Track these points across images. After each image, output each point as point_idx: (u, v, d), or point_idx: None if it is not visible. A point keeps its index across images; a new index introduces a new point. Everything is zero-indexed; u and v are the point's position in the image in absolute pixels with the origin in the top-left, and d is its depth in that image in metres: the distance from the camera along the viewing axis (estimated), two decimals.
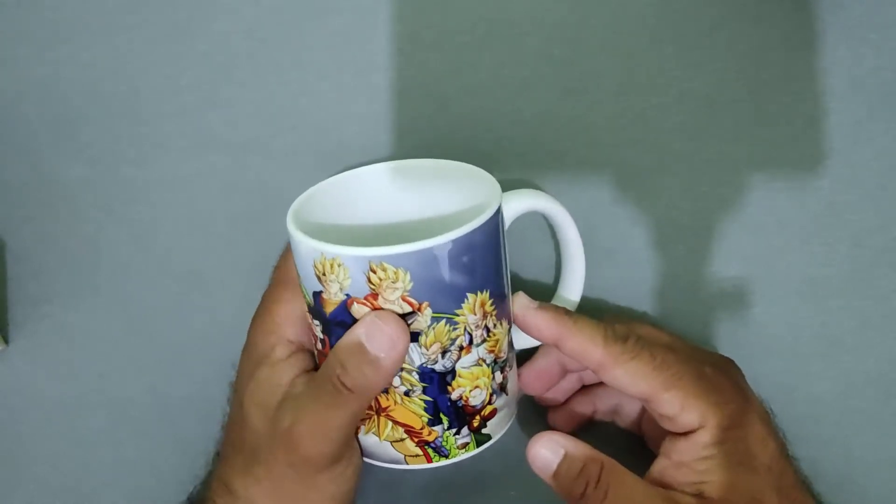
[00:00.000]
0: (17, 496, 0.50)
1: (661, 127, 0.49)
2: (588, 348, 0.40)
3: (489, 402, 0.41)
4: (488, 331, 0.39)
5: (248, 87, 0.51)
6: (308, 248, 0.38)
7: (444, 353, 0.38)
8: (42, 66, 0.51)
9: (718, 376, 0.41)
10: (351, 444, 0.40)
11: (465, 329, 0.38)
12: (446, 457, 0.40)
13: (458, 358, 0.39)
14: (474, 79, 0.50)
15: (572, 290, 0.45)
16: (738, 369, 0.44)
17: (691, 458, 0.39)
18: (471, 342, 0.39)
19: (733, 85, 0.49)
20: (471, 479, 0.49)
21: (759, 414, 0.41)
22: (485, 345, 0.39)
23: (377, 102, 0.50)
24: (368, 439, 0.41)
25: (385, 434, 0.40)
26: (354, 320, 0.38)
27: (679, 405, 0.39)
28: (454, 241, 0.36)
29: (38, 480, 0.50)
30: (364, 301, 0.37)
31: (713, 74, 0.49)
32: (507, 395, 0.42)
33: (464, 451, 0.41)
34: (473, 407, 0.40)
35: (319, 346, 0.40)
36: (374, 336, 0.37)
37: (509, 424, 0.43)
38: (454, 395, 0.39)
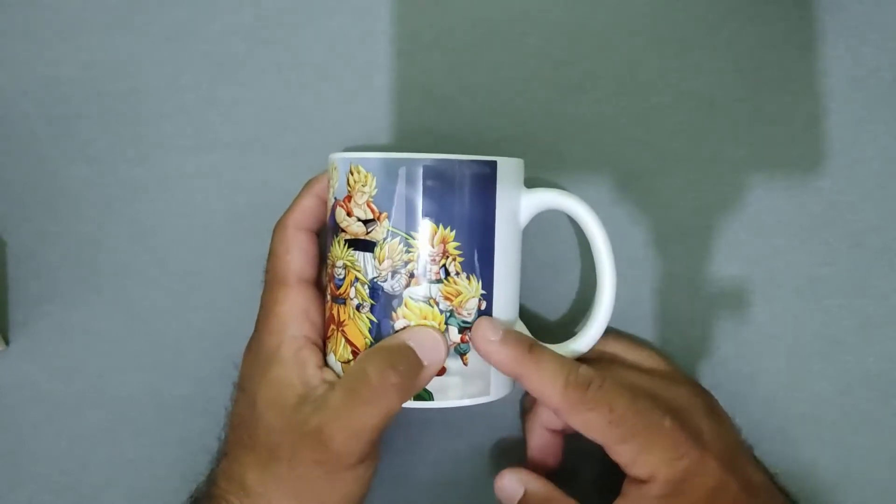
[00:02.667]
0: (18, 495, 0.50)
1: (661, 127, 0.49)
2: (547, 391, 0.40)
3: None
4: (447, 273, 0.40)
5: (248, 87, 0.51)
6: (329, 160, 0.42)
7: (394, 273, 0.40)
8: (42, 66, 0.51)
9: (675, 431, 0.40)
10: (378, 443, 0.41)
11: (418, 256, 0.40)
12: (419, 398, 0.40)
13: (408, 284, 0.40)
14: (474, 79, 0.50)
15: (602, 301, 0.43)
16: (707, 404, 0.43)
17: None
18: (423, 274, 0.40)
19: (733, 85, 0.49)
20: (475, 477, 0.49)
21: (720, 459, 0.40)
22: (440, 287, 0.40)
23: (377, 102, 0.50)
24: (330, 359, 0.42)
25: (339, 353, 0.41)
26: (336, 223, 0.41)
27: (631, 458, 0.40)
28: (418, 160, 0.39)
29: (38, 480, 0.50)
30: (342, 203, 0.41)
31: (713, 74, 0.49)
32: (465, 365, 0.41)
33: (417, 398, 0.41)
34: None
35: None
36: (426, 345, 0.39)
37: (467, 402, 0.42)
38: (397, 325, 0.40)
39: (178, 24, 0.51)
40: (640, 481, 0.40)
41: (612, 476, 0.42)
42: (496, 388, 0.42)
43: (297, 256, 0.43)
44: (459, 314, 0.40)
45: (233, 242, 0.51)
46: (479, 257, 0.41)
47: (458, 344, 0.41)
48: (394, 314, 0.40)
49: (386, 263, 0.40)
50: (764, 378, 0.48)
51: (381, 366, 0.39)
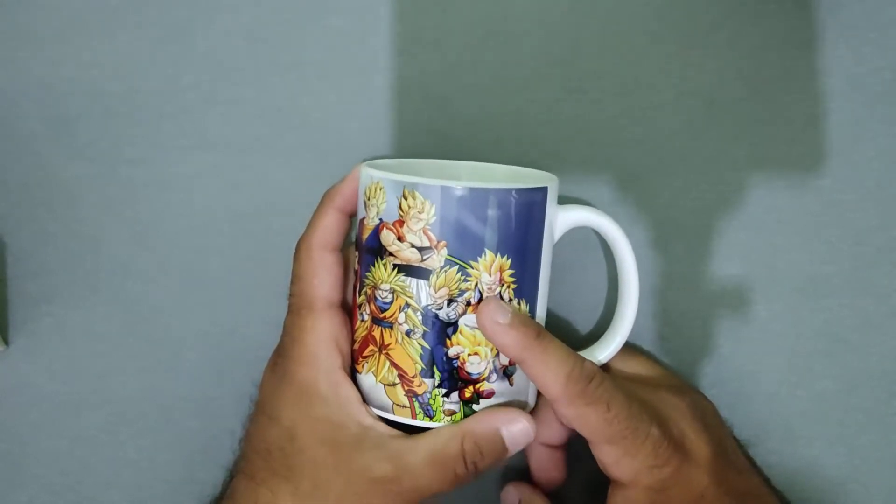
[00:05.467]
0: (17, 496, 0.50)
1: (661, 127, 0.49)
2: (549, 379, 0.40)
3: (487, 379, 0.41)
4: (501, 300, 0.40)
5: (248, 86, 0.51)
6: (366, 176, 0.41)
7: (450, 301, 0.39)
8: (42, 66, 0.51)
9: (660, 440, 0.40)
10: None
11: (476, 285, 0.39)
12: (431, 418, 0.40)
13: (464, 312, 0.39)
14: (474, 79, 0.50)
15: (625, 316, 0.43)
16: (696, 410, 0.43)
17: None
18: (479, 301, 0.39)
19: (733, 85, 0.49)
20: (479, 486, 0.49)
21: (705, 467, 0.41)
22: None
23: (377, 102, 0.50)
24: (367, 379, 0.42)
25: (381, 375, 0.41)
26: (381, 245, 0.40)
27: (615, 460, 0.40)
28: (481, 190, 0.39)
29: (38, 480, 0.50)
30: (392, 227, 0.40)
31: (713, 74, 0.49)
32: (511, 385, 0.41)
33: (449, 418, 0.41)
34: (469, 374, 0.40)
35: (353, 278, 0.42)
36: (515, 434, 0.40)
37: None
38: (451, 352, 0.40)
39: (178, 24, 0.51)
40: (623, 486, 0.40)
41: (598, 484, 0.42)
42: (533, 397, 0.43)
43: (325, 280, 0.42)
44: None
45: (233, 242, 0.50)
46: (528, 282, 0.41)
47: (507, 367, 0.41)
48: (448, 341, 0.40)
49: (442, 292, 0.39)
50: (765, 377, 0.48)
51: (472, 452, 0.39)
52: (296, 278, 0.42)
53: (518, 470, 0.49)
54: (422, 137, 0.50)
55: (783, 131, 0.49)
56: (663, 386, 0.44)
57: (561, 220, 0.42)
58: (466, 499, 0.49)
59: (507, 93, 0.50)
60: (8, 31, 0.51)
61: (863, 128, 0.48)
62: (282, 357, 0.42)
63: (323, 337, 0.41)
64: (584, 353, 0.43)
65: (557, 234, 0.43)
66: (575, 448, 0.45)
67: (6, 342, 0.50)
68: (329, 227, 0.42)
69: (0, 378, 0.50)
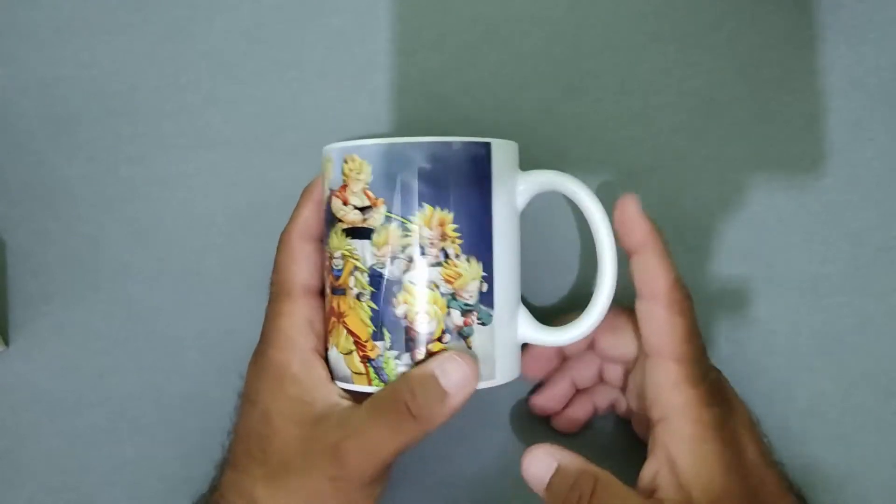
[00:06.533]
0: (18, 496, 0.50)
1: (661, 127, 0.49)
2: (660, 276, 0.41)
3: (440, 339, 0.40)
4: (446, 256, 0.40)
5: (248, 86, 0.51)
6: (323, 155, 0.43)
7: (393, 259, 0.40)
8: (42, 66, 0.51)
9: (717, 382, 0.41)
10: (391, 466, 0.41)
11: (417, 241, 0.40)
12: (385, 382, 0.40)
13: (407, 269, 0.40)
14: (474, 79, 0.50)
15: (604, 283, 0.42)
16: (727, 380, 0.44)
17: (677, 450, 0.39)
18: (422, 258, 0.40)
19: (733, 85, 0.49)
20: (478, 477, 0.50)
21: (743, 422, 0.41)
22: (440, 270, 0.40)
23: (377, 102, 0.50)
24: (332, 353, 0.42)
25: (341, 345, 0.41)
26: (332, 214, 0.41)
27: (674, 381, 0.40)
28: (414, 145, 0.39)
29: (38, 480, 0.50)
30: (338, 194, 0.41)
31: (713, 74, 0.49)
32: (469, 348, 0.40)
33: None
34: (418, 333, 0.40)
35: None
36: (449, 372, 0.39)
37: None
38: (398, 311, 0.40)
39: (178, 24, 0.51)
40: (667, 419, 0.40)
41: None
42: (502, 372, 0.41)
43: (303, 267, 0.43)
44: (461, 297, 0.40)
45: (233, 242, 0.51)
46: (477, 239, 0.40)
47: (462, 327, 0.40)
48: (394, 300, 0.40)
49: (384, 249, 0.40)
50: (764, 376, 0.48)
51: (405, 394, 0.39)
52: (276, 267, 0.43)
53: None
54: (421, 136, 0.50)
55: (783, 131, 0.49)
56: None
57: (523, 184, 0.42)
58: (461, 495, 0.49)
59: (506, 93, 0.50)
60: (8, 31, 0.51)
61: (863, 128, 0.48)
62: (261, 343, 0.43)
63: (298, 321, 0.42)
64: (572, 326, 0.42)
65: (522, 200, 0.42)
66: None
67: (6, 342, 0.50)
68: (307, 219, 0.43)
69: (0, 378, 0.50)
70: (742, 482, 0.39)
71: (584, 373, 0.47)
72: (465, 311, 0.40)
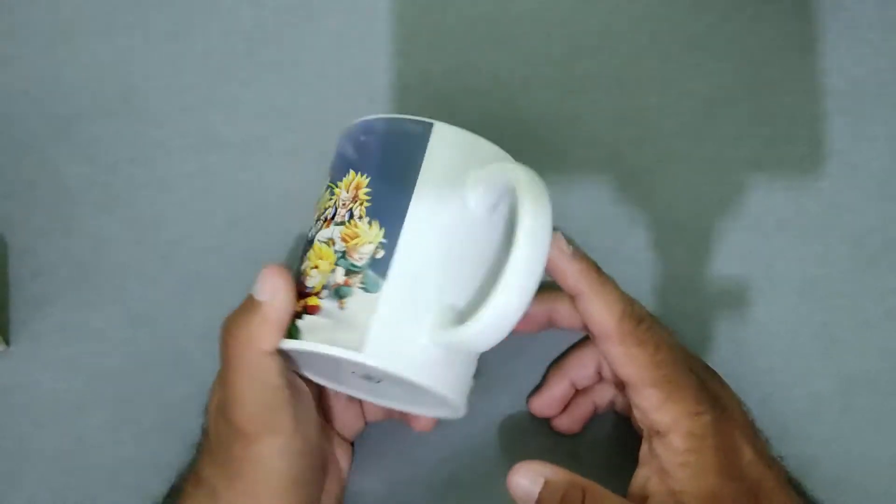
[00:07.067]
0: (18, 495, 0.50)
1: (661, 127, 0.49)
2: (603, 317, 0.40)
3: (318, 294, 0.39)
4: (351, 216, 0.39)
5: (248, 86, 0.51)
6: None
7: (317, 220, 0.41)
8: (42, 66, 0.51)
9: (700, 388, 0.41)
10: (283, 415, 0.39)
11: (335, 203, 0.40)
12: (290, 336, 0.39)
13: (321, 228, 0.40)
14: (474, 79, 0.50)
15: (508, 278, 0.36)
16: (721, 378, 0.44)
17: (670, 463, 0.39)
18: (333, 217, 0.40)
19: (733, 85, 0.49)
20: (474, 480, 0.50)
21: (737, 423, 0.41)
22: (342, 228, 0.39)
23: (377, 102, 0.50)
24: None
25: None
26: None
27: (656, 404, 0.40)
28: (361, 121, 0.41)
29: (38, 480, 0.50)
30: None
31: (713, 74, 0.49)
32: (341, 309, 0.38)
33: (287, 336, 0.39)
34: (305, 287, 0.39)
35: None
36: (257, 282, 0.39)
37: (336, 351, 0.38)
38: (302, 266, 0.40)
39: (178, 24, 0.51)
40: (660, 434, 0.40)
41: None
42: (372, 349, 0.38)
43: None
44: (350, 256, 0.39)
45: (233, 242, 0.51)
46: (386, 206, 0.39)
47: (340, 286, 0.39)
48: (303, 257, 0.41)
49: (316, 214, 0.41)
50: (763, 377, 0.48)
51: (230, 321, 0.39)
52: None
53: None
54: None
55: (783, 131, 0.49)
56: (691, 355, 0.45)
57: (474, 180, 0.39)
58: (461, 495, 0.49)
59: (506, 93, 0.50)
60: (8, 31, 0.51)
61: (863, 128, 0.48)
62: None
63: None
64: (457, 331, 0.37)
65: (478, 200, 0.39)
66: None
67: (7, 342, 0.50)
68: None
69: (1, 377, 0.50)
70: (737, 485, 0.39)
71: (582, 372, 0.47)
72: (351, 272, 0.38)
